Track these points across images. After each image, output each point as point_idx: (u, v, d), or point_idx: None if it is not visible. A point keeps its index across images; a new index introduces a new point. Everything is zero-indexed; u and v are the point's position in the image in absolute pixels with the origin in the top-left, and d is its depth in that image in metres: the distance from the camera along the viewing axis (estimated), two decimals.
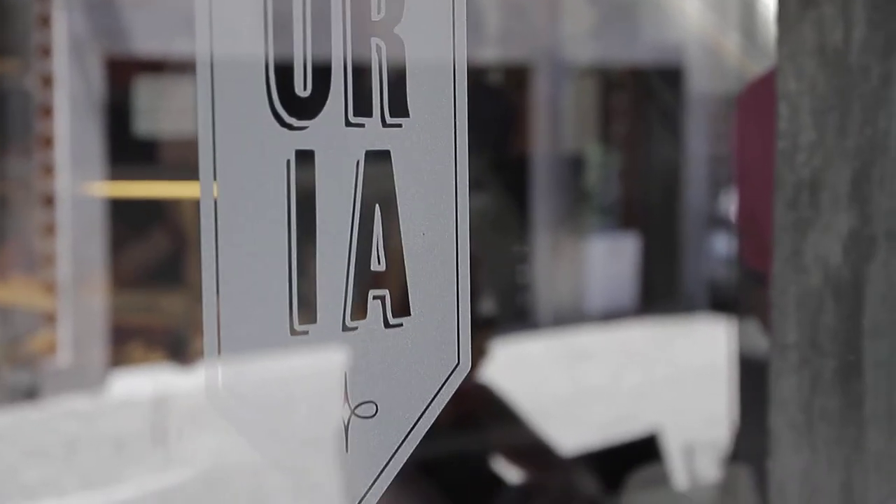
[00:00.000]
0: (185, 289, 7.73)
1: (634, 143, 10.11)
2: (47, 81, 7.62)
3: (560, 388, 7.63)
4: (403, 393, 0.97)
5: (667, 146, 9.93)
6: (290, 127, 0.90)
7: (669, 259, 10.08)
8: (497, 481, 2.98)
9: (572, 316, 9.33)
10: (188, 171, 7.86)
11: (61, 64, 7.60)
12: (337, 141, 0.92)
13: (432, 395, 0.97)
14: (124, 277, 7.84)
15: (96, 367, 7.59)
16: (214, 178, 0.87)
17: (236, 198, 0.88)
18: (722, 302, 9.09)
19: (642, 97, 10.01)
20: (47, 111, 7.62)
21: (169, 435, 6.43)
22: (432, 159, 0.96)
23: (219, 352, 0.89)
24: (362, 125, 0.93)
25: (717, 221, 9.93)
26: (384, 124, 0.94)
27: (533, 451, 2.99)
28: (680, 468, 3.25)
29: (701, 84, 9.66)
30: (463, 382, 2.90)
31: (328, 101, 0.91)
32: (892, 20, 1.59)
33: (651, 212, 10.17)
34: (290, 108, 0.90)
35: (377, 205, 0.94)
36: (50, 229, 7.58)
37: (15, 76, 7.70)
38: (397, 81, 0.95)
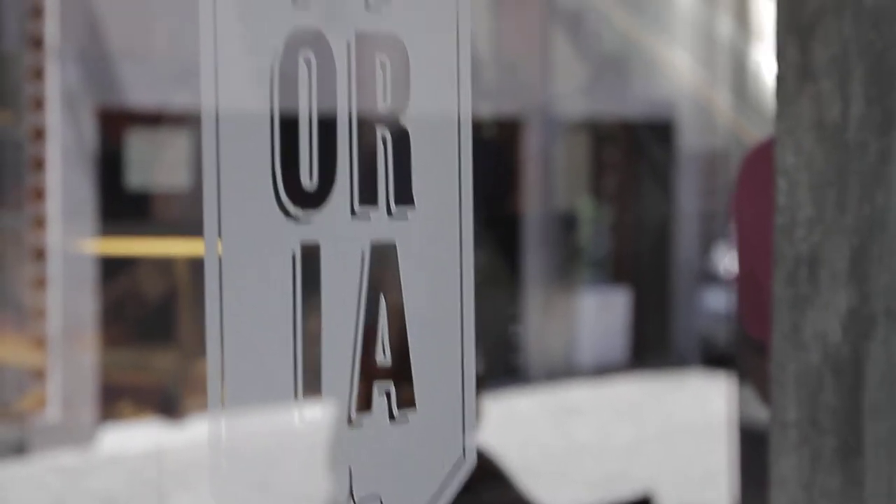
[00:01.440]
0: (176, 346, 7.70)
1: (625, 197, 10.13)
2: (39, 134, 7.62)
3: (551, 445, 7.60)
4: (408, 488, 0.96)
5: (658, 201, 9.95)
6: (295, 219, 0.89)
7: (661, 313, 10.07)
8: None
9: (563, 371, 9.31)
10: (181, 226, 7.86)
11: (54, 116, 7.60)
12: (342, 232, 0.91)
13: (436, 492, 0.96)
14: (115, 334, 7.81)
15: (85, 423, 7.54)
16: (220, 272, 0.87)
17: (242, 290, 0.87)
18: (714, 357, 9.07)
19: (633, 152, 10.04)
20: (39, 164, 7.62)
21: (158, 492, 6.39)
22: (438, 249, 0.96)
23: (223, 443, 0.88)
24: (368, 216, 0.93)
25: (707, 276, 9.93)
26: (389, 214, 0.94)
27: None
28: None
29: (691, 139, 9.69)
30: None
31: (333, 192, 0.91)
32: (889, 97, 1.60)
33: (642, 266, 10.18)
34: (296, 199, 0.90)
35: (382, 296, 0.93)
36: (40, 283, 7.56)
37: (7, 128, 7.70)
38: (403, 170, 0.95)
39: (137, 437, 7.27)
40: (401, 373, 0.94)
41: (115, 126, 7.94)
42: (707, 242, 10.08)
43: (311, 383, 0.91)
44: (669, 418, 8.23)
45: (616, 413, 8.58)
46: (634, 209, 10.13)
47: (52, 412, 7.54)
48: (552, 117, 9.41)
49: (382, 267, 0.94)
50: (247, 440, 0.89)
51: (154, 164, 8.18)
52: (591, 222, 10.14)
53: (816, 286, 1.64)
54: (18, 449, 7.36)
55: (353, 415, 0.92)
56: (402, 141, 0.95)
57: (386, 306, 0.93)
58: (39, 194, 7.61)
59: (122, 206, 7.91)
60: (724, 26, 8.90)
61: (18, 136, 7.68)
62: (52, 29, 7.55)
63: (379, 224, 0.93)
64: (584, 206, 10.15)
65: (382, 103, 0.94)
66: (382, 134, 0.93)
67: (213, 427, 0.88)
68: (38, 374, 7.56)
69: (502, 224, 9.30)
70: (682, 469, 6.47)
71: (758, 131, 8.23)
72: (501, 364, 9.03)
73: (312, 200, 0.91)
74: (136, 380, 7.79)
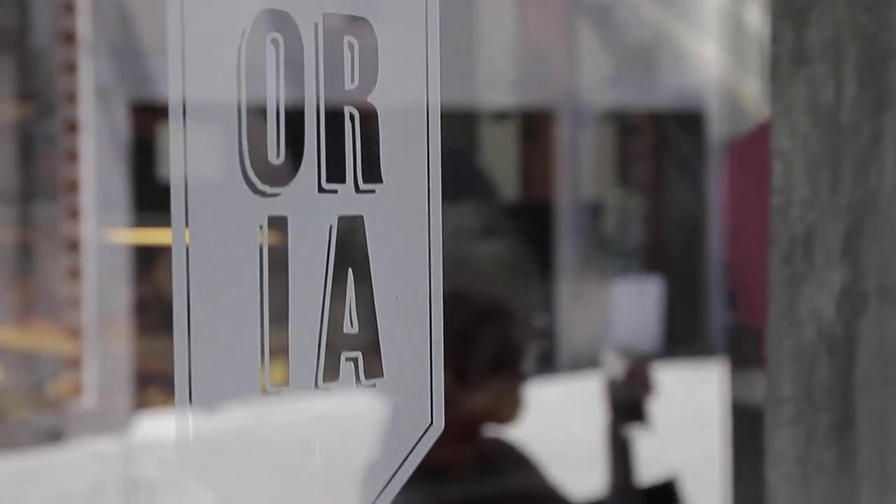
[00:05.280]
0: None
1: (655, 187, 10.13)
2: (73, 127, 7.69)
3: (582, 432, 7.62)
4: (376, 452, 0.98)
5: (688, 191, 9.94)
6: (262, 194, 0.92)
7: (693, 303, 10.06)
8: None
9: (594, 360, 9.32)
10: None
11: (87, 110, 7.67)
12: (309, 207, 0.94)
13: (405, 455, 0.99)
14: (148, 322, 7.89)
15: (121, 410, 7.62)
16: (187, 245, 0.89)
17: (209, 263, 0.90)
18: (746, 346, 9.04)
19: (662, 142, 10.03)
20: (73, 156, 7.69)
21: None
22: (406, 223, 0.98)
23: (189, 407, 0.91)
24: (335, 191, 0.95)
25: None
26: (357, 190, 0.96)
27: (548, 502, 3.00)
28: None
29: (721, 129, 9.66)
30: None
31: (301, 169, 0.94)
32: (881, 79, 1.61)
33: (674, 256, 10.17)
34: (263, 175, 0.92)
35: (350, 269, 0.96)
36: (75, 274, 7.63)
37: (41, 122, 7.78)
38: (371, 147, 0.97)
39: (171, 423, 7.33)
40: (369, 343, 0.96)
41: (146, 119, 8.01)
42: None
43: (280, 356, 0.94)
44: (701, 407, 8.23)
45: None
46: (664, 199, 10.12)
47: (88, 400, 7.62)
48: (580, 108, 9.41)
49: (350, 239, 0.96)
50: (214, 421, 0.92)
51: None
52: (621, 212, 10.14)
53: (811, 265, 1.65)
54: (56, 436, 7.44)
55: (321, 383, 0.94)
56: (369, 119, 0.97)
57: (354, 278, 0.96)
58: (73, 186, 7.69)
59: (154, 197, 7.97)
60: (753, 16, 8.87)
61: (52, 129, 7.75)
62: (84, 24, 7.61)
63: (346, 198, 0.96)
64: (615, 197, 10.15)
65: (350, 84, 0.96)
66: (350, 112, 0.96)
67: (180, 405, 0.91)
68: (74, 363, 7.64)
69: (533, 214, 9.31)
70: (714, 455, 6.47)
71: None
72: (535, 352, 9.06)
73: (279, 176, 0.93)
74: (169, 367, 7.86)
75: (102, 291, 7.64)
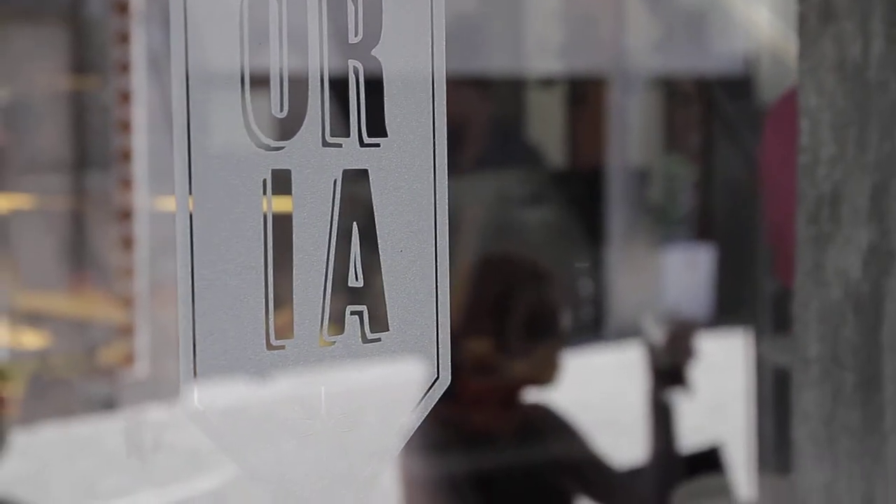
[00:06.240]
0: None
1: (705, 154, 10.06)
2: (126, 97, 7.74)
3: (632, 400, 7.61)
4: (382, 406, 0.99)
5: (738, 157, 9.87)
6: (266, 147, 0.93)
7: (745, 271, 10.00)
8: (560, 497, 2.99)
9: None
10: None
11: (140, 80, 7.71)
12: (314, 160, 0.95)
13: (411, 409, 1.00)
14: None
15: (173, 378, 7.68)
16: (190, 195, 0.90)
17: (212, 217, 0.91)
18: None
19: (711, 108, 9.96)
20: (126, 126, 7.74)
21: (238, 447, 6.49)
22: (411, 177, 0.99)
23: (194, 367, 0.92)
24: (339, 145, 0.96)
25: None
26: (361, 144, 0.97)
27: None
28: (746, 481, 3.24)
29: (771, 94, 9.58)
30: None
31: (305, 122, 0.94)
32: None
33: (724, 224, 10.11)
34: (267, 128, 0.93)
35: (355, 222, 0.97)
36: (128, 243, 7.69)
37: (94, 92, 7.84)
38: (375, 101, 0.98)
39: (221, 392, 7.38)
40: (374, 296, 0.97)
41: None
42: None
43: (285, 312, 0.94)
44: (753, 376, 8.18)
45: (700, 369, 8.54)
46: (715, 166, 10.06)
47: (140, 368, 7.69)
48: (629, 74, 9.36)
49: (355, 193, 0.97)
50: (220, 374, 0.92)
51: None
52: (671, 179, 10.09)
53: (838, 224, 1.65)
54: (108, 404, 7.52)
55: (325, 337, 0.95)
56: (373, 73, 0.98)
57: (359, 232, 0.97)
58: (126, 156, 7.74)
59: None
60: None
61: (105, 99, 7.81)
62: None
63: (351, 152, 0.96)
64: (664, 163, 10.09)
65: (354, 38, 0.97)
66: (354, 66, 0.96)
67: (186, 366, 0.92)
68: (126, 331, 7.71)
69: (581, 181, 9.28)
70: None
71: None
72: (582, 320, 9.04)
73: (283, 129, 0.94)
74: None
75: (155, 260, 7.70)
